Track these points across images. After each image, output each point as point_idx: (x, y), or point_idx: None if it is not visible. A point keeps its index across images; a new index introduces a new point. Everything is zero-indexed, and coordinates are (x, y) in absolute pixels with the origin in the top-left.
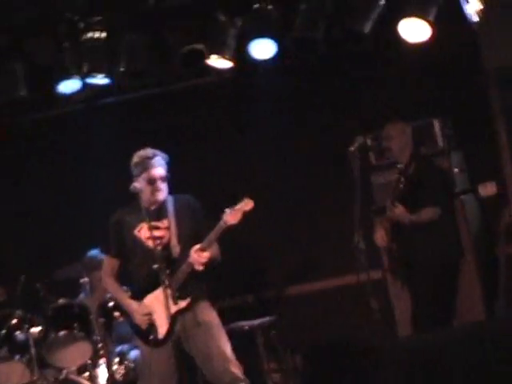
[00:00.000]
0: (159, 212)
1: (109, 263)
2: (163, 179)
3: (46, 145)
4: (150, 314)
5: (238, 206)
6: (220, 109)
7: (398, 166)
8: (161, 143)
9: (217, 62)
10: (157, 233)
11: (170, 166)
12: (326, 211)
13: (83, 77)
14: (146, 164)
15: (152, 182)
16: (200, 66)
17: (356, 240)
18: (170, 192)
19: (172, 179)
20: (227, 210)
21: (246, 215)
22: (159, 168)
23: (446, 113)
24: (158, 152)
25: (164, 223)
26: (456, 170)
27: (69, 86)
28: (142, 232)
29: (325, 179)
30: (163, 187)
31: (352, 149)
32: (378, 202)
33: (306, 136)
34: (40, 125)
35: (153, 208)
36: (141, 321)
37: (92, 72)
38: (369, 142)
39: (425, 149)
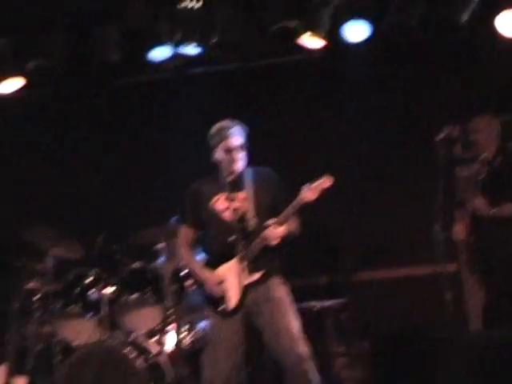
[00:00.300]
0: (237, 183)
1: (185, 233)
2: (241, 149)
3: (134, 110)
4: (222, 283)
5: (317, 183)
6: (307, 87)
7: (483, 158)
8: (246, 116)
9: (309, 40)
10: (233, 204)
11: (254, 138)
12: (408, 199)
13: (175, 45)
14: (223, 134)
15: (229, 151)
16: (291, 44)
17: (435, 231)
18: (250, 164)
19: (254, 152)
20: (305, 186)
21: (325, 193)
22: (236, 137)
23: None
24: (235, 122)
25: (241, 195)
26: None
27: (160, 54)
28: (219, 203)
29: (408, 166)
30: (240, 157)
31: (439, 139)
32: (460, 195)
33: (393, 121)
34: (129, 90)
35: (231, 179)
36: (212, 289)
37: (184, 41)
38: (456, 133)
39: None
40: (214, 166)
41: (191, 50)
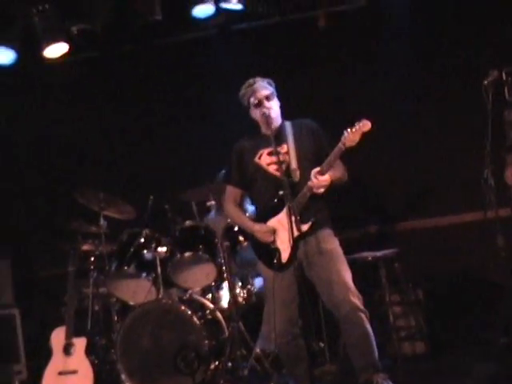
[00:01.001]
0: (278, 137)
1: (231, 192)
2: (269, 98)
3: (179, 68)
4: (273, 231)
5: (356, 127)
6: (349, 38)
7: None
8: (289, 70)
9: None
10: (277, 158)
11: (297, 91)
12: (457, 145)
13: (217, 2)
14: (249, 91)
15: (259, 103)
16: None
17: (486, 176)
18: (290, 117)
19: (297, 104)
20: (345, 132)
21: (375, 141)
22: (262, 89)
23: None
24: (258, 78)
25: (283, 148)
26: None
27: (203, 11)
28: (263, 158)
29: (456, 112)
30: (271, 105)
31: (486, 82)
32: (510, 139)
33: (438, 67)
34: (174, 48)
35: (272, 133)
36: (264, 237)
37: None
38: (504, 76)
39: None
40: (254, 124)
41: (233, 5)
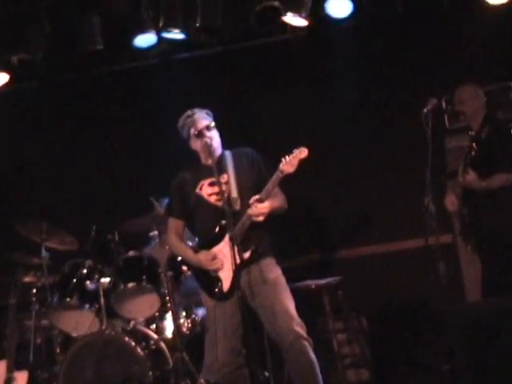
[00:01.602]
0: (219, 167)
1: (172, 224)
2: (209, 128)
3: (120, 97)
4: (215, 257)
5: (293, 154)
6: (293, 67)
7: (470, 133)
8: (233, 99)
9: (293, 19)
10: (218, 188)
11: (241, 119)
12: (397, 173)
13: (159, 31)
14: (188, 122)
15: (200, 134)
16: (275, 24)
17: (426, 203)
18: (228, 147)
19: (241, 133)
20: (283, 159)
21: (315, 170)
22: (202, 120)
23: None
24: (196, 109)
25: (224, 178)
26: None
27: (145, 40)
28: (204, 189)
29: (396, 140)
30: (212, 135)
31: (426, 110)
32: (450, 166)
33: (379, 95)
34: (115, 78)
35: (212, 164)
36: (210, 265)
37: (168, 27)
38: (444, 104)
39: (501, 113)
40: (194, 155)
41: (175, 35)
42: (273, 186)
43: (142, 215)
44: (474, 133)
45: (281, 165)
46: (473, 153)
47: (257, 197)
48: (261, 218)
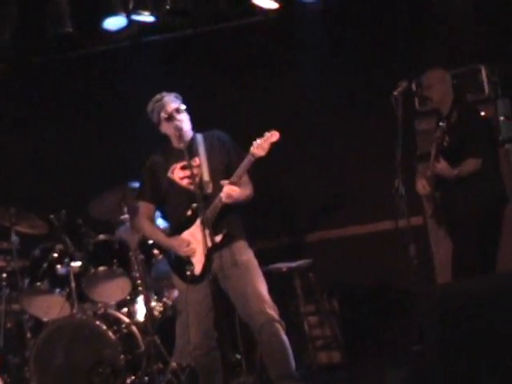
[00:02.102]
0: (189, 151)
1: (144, 208)
2: (179, 111)
3: (90, 81)
4: (188, 243)
5: (265, 138)
6: (263, 50)
7: (441, 124)
8: (203, 82)
9: (262, 1)
10: (190, 172)
11: (211, 102)
12: (367, 156)
13: (129, 14)
14: (158, 106)
15: (170, 117)
16: (245, 6)
17: (396, 185)
18: (199, 130)
19: (211, 116)
20: (254, 143)
21: (284, 153)
22: (172, 103)
23: (493, 59)
24: (164, 93)
25: (196, 161)
26: (502, 117)
27: (114, 23)
28: (175, 173)
29: (367, 124)
30: (182, 117)
31: (396, 93)
32: (420, 149)
33: (349, 79)
34: (85, 61)
35: (183, 147)
36: (185, 252)
37: (138, 9)
38: (413, 87)
39: (470, 96)
40: (164, 138)
41: (145, 17)
42: (244, 170)
43: (109, 194)
44: (445, 124)
45: (252, 148)
46: (445, 143)
47: (228, 180)
48: (231, 200)
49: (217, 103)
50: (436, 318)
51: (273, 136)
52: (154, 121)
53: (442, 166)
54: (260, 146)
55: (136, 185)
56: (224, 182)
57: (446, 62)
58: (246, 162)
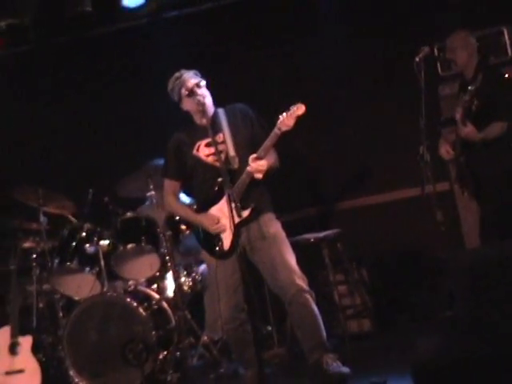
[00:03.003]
0: (213, 127)
1: (169, 185)
2: (200, 86)
3: (111, 59)
4: (217, 220)
5: (290, 111)
6: (285, 20)
7: (470, 88)
8: (223, 55)
9: None
10: (215, 148)
11: (235, 74)
12: (391, 122)
13: None
14: (178, 84)
15: (191, 92)
16: None
17: (421, 152)
18: (221, 106)
19: (235, 89)
20: (281, 117)
21: (308, 123)
22: (191, 79)
23: None
24: (183, 70)
25: (220, 137)
26: None
27: (133, 0)
28: (201, 150)
29: (390, 91)
30: (203, 92)
31: (418, 59)
32: (444, 114)
33: (371, 45)
34: (105, 39)
35: (207, 123)
36: (215, 228)
37: None
38: (436, 52)
39: (493, 58)
40: (187, 116)
41: None
42: (271, 143)
43: (137, 170)
44: (474, 87)
45: (278, 122)
46: (473, 107)
47: (255, 155)
48: (260, 175)
49: (239, 78)
50: (466, 284)
51: (299, 109)
52: (175, 99)
53: (469, 129)
54: (286, 120)
55: (161, 162)
56: (252, 157)
57: (467, 26)
58: (273, 136)
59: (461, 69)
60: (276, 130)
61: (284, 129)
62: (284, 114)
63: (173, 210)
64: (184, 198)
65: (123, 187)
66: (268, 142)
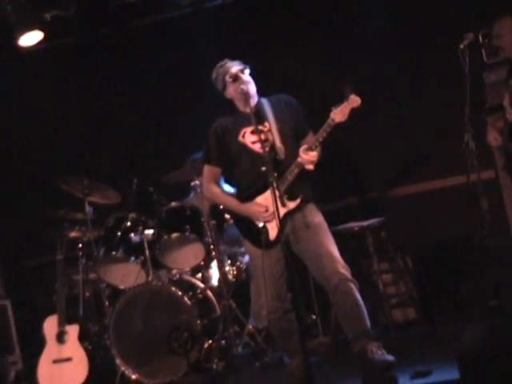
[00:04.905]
0: (258, 116)
1: (210, 171)
2: (243, 71)
3: (155, 50)
4: (266, 209)
5: (345, 103)
6: (324, 10)
7: None
8: (268, 45)
9: None
10: (261, 136)
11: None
12: (436, 111)
13: None
14: (222, 71)
15: (235, 78)
16: None
17: (466, 140)
18: (265, 96)
19: (274, 80)
20: (334, 108)
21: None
22: (235, 66)
23: None
24: (226, 59)
25: (266, 126)
26: None
27: None
28: (246, 137)
29: (434, 79)
30: (247, 78)
31: (462, 46)
32: (490, 101)
33: (415, 33)
34: (148, 30)
35: (251, 111)
36: (264, 217)
37: None
38: (480, 38)
39: None
40: (231, 105)
41: None
42: (323, 135)
43: (181, 167)
44: None
45: (332, 114)
46: None
47: (306, 146)
48: (311, 167)
49: (283, 66)
50: (510, 273)
51: (354, 101)
52: (219, 87)
53: None
54: (341, 112)
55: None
56: (303, 148)
57: (510, 11)
58: (326, 127)
59: (509, 54)
60: (330, 122)
61: (338, 120)
62: (337, 105)
63: (214, 197)
64: (228, 188)
65: (168, 179)
66: (321, 134)
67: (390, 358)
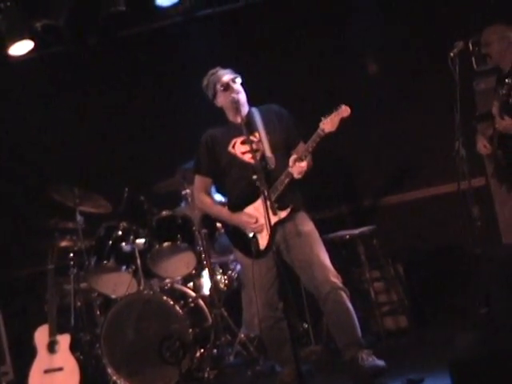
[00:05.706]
0: (248, 125)
1: (201, 182)
2: (235, 80)
3: (145, 58)
4: (259, 221)
5: (335, 113)
6: (316, 17)
7: (507, 80)
8: (258, 53)
9: None
10: (251, 146)
11: (266, 75)
12: (426, 119)
13: None
14: (213, 79)
15: (226, 86)
16: None
17: (456, 147)
18: (256, 105)
19: (269, 88)
20: (324, 118)
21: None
22: (226, 74)
23: None
24: (218, 67)
25: (256, 136)
26: None
27: None
28: (237, 147)
29: (424, 87)
30: (238, 87)
31: (452, 54)
32: (480, 109)
33: (405, 41)
34: (139, 39)
35: (242, 122)
36: (254, 228)
37: None
38: (470, 46)
39: None
40: (221, 114)
41: None
42: (313, 145)
43: (172, 176)
44: (510, 80)
45: (321, 124)
46: (510, 100)
47: (296, 156)
48: (300, 176)
49: (273, 76)
50: (502, 280)
51: (344, 111)
52: (209, 95)
53: (507, 123)
54: (330, 122)
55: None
56: (293, 158)
57: (502, 19)
58: (315, 138)
59: (497, 62)
60: (319, 132)
61: (327, 130)
62: (327, 115)
63: (205, 207)
64: (219, 197)
65: (158, 188)
66: (311, 143)
67: (381, 363)
